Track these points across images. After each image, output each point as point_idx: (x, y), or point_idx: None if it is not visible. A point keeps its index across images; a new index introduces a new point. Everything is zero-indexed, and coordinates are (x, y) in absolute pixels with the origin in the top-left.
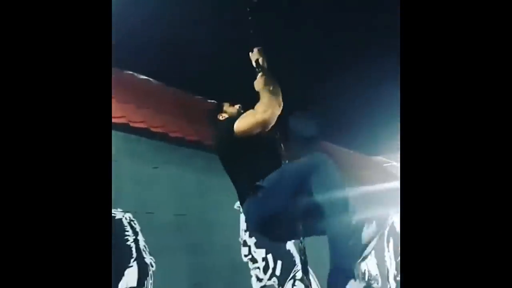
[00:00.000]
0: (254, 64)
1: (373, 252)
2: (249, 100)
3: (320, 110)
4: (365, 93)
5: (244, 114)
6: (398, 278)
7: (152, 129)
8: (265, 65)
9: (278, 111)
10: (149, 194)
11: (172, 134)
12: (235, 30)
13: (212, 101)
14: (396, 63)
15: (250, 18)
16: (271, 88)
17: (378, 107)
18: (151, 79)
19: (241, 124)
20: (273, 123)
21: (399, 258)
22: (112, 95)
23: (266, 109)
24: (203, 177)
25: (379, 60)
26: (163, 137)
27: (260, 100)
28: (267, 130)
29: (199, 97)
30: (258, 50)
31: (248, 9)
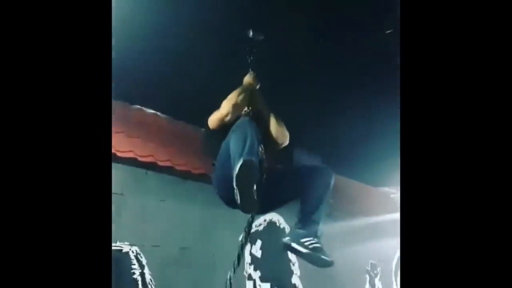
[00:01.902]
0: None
1: (381, 286)
2: None
3: (325, 142)
4: (370, 125)
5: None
6: None
7: (159, 163)
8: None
9: (236, 109)
10: (155, 227)
11: (178, 168)
12: (236, 66)
13: None
14: (397, 95)
15: (249, 57)
16: (242, 88)
17: (383, 138)
18: (158, 113)
19: (210, 120)
20: (230, 117)
21: None
22: (120, 130)
23: (224, 105)
24: (208, 211)
25: (380, 93)
26: (169, 171)
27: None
28: (226, 122)
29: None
30: (252, 74)
31: (247, 49)
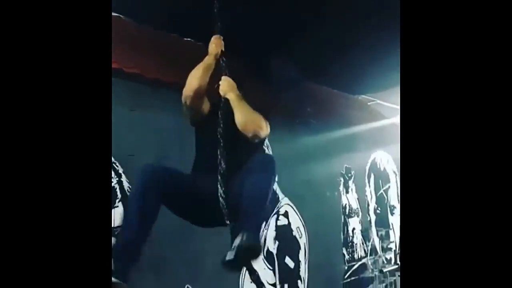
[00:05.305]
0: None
1: (354, 187)
2: None
3: (301, 50)
4: (346, 33)
5: None
6: (378, 211)
7: (125, 69)
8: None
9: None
10: (129, 137)
11: (148, 76)
12: None
13: (188, 39)
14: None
15: None
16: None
17: (359, 45)
18: (122, 16)
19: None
20: (189, 93)
21: (379, 193)
22: None
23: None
24: (181, 120)
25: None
26: (138, 79)
27: None
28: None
29: (175, 35)
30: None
31: None
